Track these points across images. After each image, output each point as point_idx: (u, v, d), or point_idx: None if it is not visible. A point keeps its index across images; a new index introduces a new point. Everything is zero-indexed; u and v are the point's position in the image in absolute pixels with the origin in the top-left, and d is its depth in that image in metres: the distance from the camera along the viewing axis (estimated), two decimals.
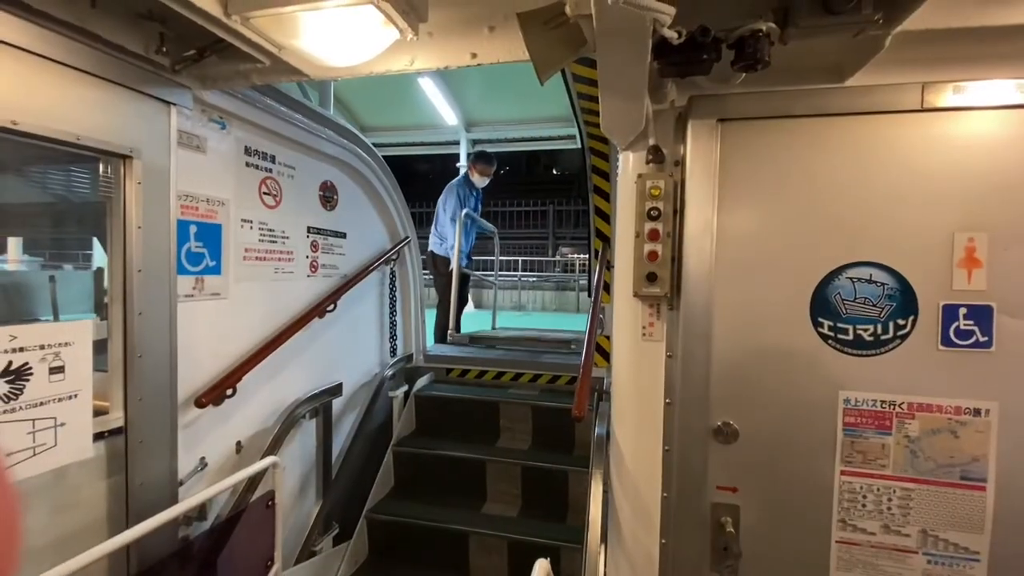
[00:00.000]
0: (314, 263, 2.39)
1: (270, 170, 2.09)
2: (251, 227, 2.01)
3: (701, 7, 1.15)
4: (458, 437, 2.89)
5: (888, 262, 1.33)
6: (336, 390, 2.48)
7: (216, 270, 1.83)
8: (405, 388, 3.06)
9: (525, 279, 13.30)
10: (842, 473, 1.37)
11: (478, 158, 4.54)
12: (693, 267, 1.45)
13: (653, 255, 1.46)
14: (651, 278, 1.47)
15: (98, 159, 1.46)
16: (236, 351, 1.92)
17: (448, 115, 7.57)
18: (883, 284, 1.33)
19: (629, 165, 1.55)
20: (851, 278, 1.35)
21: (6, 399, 1.16)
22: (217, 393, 1.74)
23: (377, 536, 2.53)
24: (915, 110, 1.30)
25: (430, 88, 6.79)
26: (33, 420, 1.21)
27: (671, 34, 1.08)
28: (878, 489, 1.35)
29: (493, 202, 15.32)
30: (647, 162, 1.48)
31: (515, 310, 12.20)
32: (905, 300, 1.32)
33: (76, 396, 1.30)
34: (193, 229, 1.74)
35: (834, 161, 1.36)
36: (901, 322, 1.33)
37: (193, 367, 1.74)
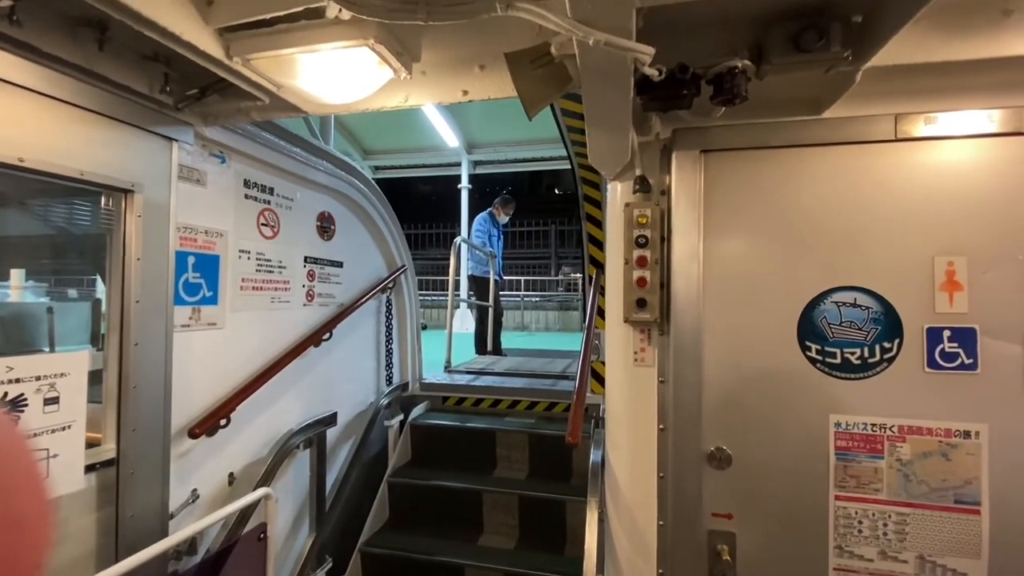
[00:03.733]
0: (310, 292, 2.41)
1: (268, 202, 2.14)
2: (249, 257, 2.04)
3: (680, 46, 1.22)
4: (454, 467, 2.86)
5: (871, 286, 1.36)
6: (331, 420, 2.47)
7: (213, 300, 1.85)
8: (401, 417, 3.04)
9: (528, 299, 13.31)
10: (836, 498, 1.37)
11: (505, 201, 5.73)
12: (681, 293, 1.48)
13: (642, 281, 1.49)
14: (641, 304, 1.49)
15: (100, 193, 1.50)
16: (231, 381, 1.93)
17: (449, 138, 7.73)
18: (868, 308, 1.36)
19: (617, 195, 1.60)
20: (836, 302, 1.38)
21: None
22: (211, 424, 1.74)
23: (372, 570, 2.48)
24: (889, 140, 1.35)
25: (431, 112, 6.95)
26: None
27: (652, 72, 1.13)
28: (873, 514, 1.35)
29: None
30: (634, 192, 1.53)
31: (518, 330, 12.17)
32: (890, 323, 1.34)
33: (69, 427, 1.31)
34: (191, 260, 1.77)
35: (814, 189, 1.40)
36: (887, 345, 1.35)
37: (188, 397, 1.74)
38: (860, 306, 1.37)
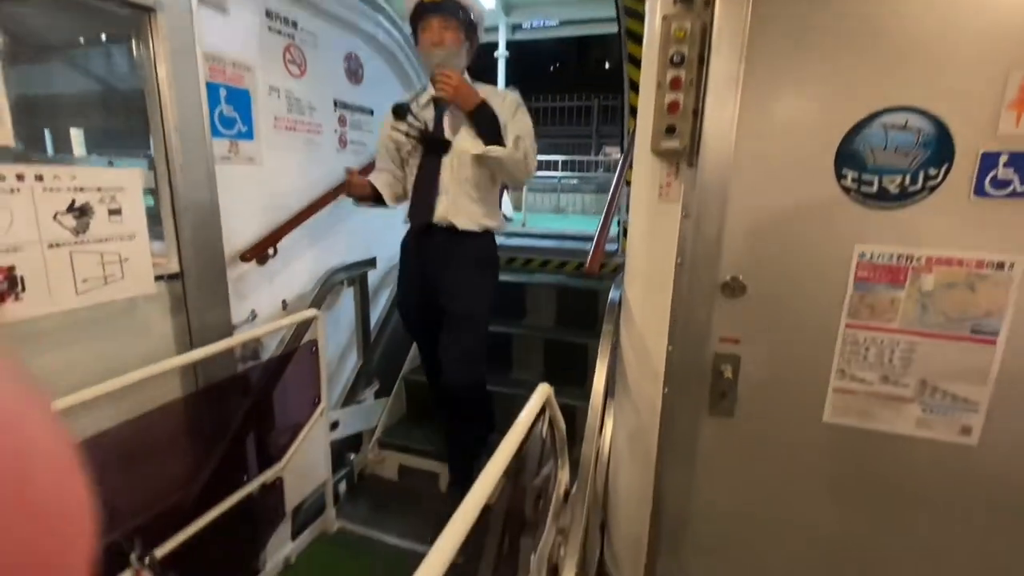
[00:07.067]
0: (343, 138, 2.43)
1: (292, 36, 2.08)
2: (279, 96, 2.04)
3: None
4: None
5: (927, 106, 1.23)
6: (371, 263, 2.64)
7: (249, 135, 1.91)
8: None
9: (565, 181, 12.85)
10: (847, 326, 1.39)
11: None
12: (715, 119, 1.39)
13: (674, 106, 1.41)
14: (670, 131, 1.43)
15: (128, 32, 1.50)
16: (273, 216, 2.05)
17: None
18: (919, 130, 1.25)
19: (656, 7, 1.45)
20: (884, 125, 1.27)
21: (76, 232, 1.33)
22: (260, 250, 1.90)
23: (413, 393, 2.81)
24: None
25: None
26: (101, 253, 1.38)
27: None
28: (882, 341, 1.38)
29: (534, 97, 14.53)
30: (675, 2, 1.38)
31: (553, 213, 12.04)
32: (941, 148, 1.24)
33: (134, 237, 1.46)
34: (223, 93, 1.79)
35: None
36: (932, 172, 1.26)
37: (236, 227, 1.88)
38: (911, 129, 1.26)
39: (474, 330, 1.96)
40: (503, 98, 1.89)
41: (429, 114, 1.94)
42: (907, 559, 1.47)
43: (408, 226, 2.05)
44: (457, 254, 1.94)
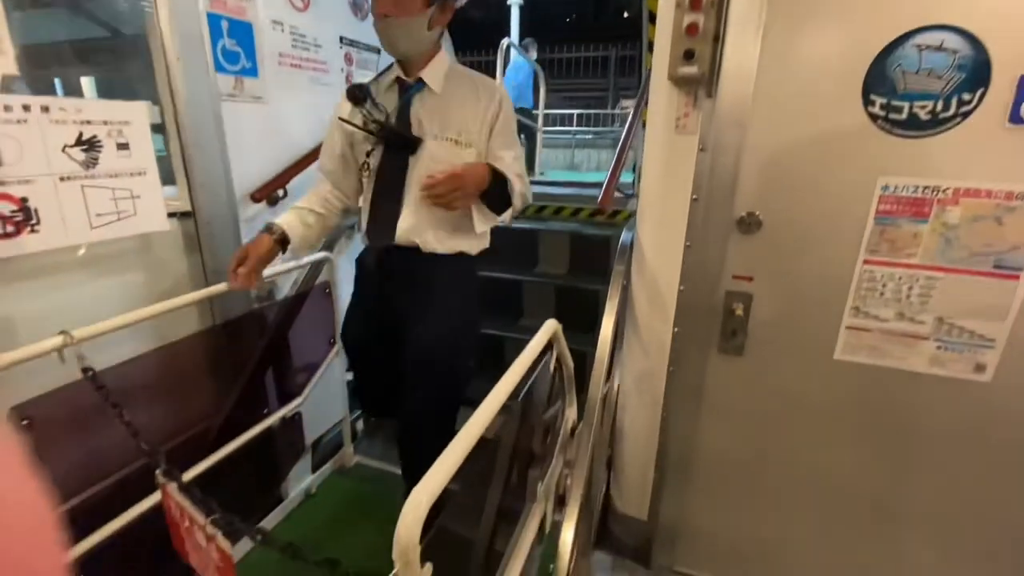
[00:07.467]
0: (349, 77, 2.36)
1: None
2: (283, 30, 1.98)
3: None
4: (498, 262, 3.03)
5: (967, 25, 1.15)
6: None
7: (253, 72, 1.86)
8: None
9: (580, 136, 12.46)
10: (865, 262, 1.36)
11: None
12: (737, 43, 1.32)
13: (693, 28, 1.34)
14: (688, 56, 1.35)
15: None
16: (282, 157, 2.03)
17: None
18: (955, 52, 1.17)
19: None
20: (918, 46, 1.19)
21: (85, 166, 1.33)
22: (270, 190, 1.89)
23: None
24: None
25: None
26: (112, 189, 1.39)
27: None
28: (900, 277, 1.34)
29: (549, 48, 13.94)
30: None
31: (568, 170, 11.76)
32: (977, 71, 1.17)
33: (144, 174, 1.46)
34: (225, 25, 1.74)
35: None
36: (967, 97, 1.19)
37: (244, 167, 1.86)
38: (946, 50, 1.18)
39: (444, 386, 1.59)
40: (491, 96, 1.50)
41: (394, 101, 1.51)
42: (916, 497, 1.49)
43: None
44: (426, 284, 1.55)
